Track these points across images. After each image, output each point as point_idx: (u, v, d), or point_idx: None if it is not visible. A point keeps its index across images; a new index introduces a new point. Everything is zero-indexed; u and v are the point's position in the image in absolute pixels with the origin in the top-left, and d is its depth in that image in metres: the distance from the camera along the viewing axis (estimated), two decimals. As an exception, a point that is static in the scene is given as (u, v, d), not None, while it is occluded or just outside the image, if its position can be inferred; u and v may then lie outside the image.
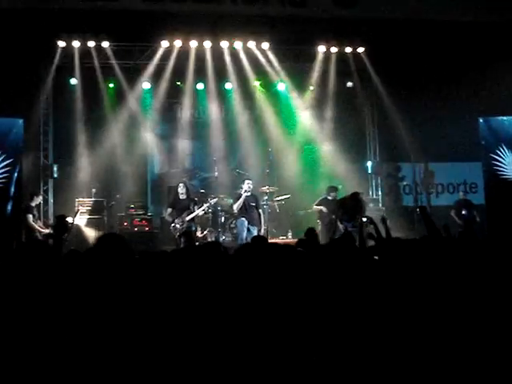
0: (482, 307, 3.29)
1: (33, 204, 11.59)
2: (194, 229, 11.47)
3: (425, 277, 3.64)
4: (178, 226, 11.31)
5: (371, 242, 5.83)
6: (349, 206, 11.20)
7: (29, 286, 3.05)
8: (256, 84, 14.08)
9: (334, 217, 10.85)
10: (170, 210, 11.60)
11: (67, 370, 2.70)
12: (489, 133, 13.59)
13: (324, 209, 11.94)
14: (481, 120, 13.60)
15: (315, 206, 12.18)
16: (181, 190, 11.62)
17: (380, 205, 13.90)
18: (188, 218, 11.41)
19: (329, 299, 3.47)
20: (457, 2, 12.96)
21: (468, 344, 3.06)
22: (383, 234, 6.05)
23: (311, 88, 14.17)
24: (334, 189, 12.15)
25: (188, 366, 2.82)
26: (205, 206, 11.72)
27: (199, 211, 11.57)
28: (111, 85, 13.65)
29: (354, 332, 3.18)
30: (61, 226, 4.52)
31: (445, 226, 6.19)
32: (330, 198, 12.05)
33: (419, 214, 5.62)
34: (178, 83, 13.88)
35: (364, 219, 7.04)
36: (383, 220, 6.67)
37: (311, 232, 6.26)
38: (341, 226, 10.11)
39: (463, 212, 13.13)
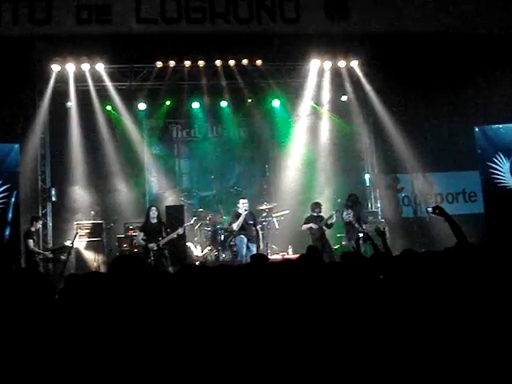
0: (484, 315, 3.28)
1: (33, 229, 11.58)
2: (166, 252, 11.43)
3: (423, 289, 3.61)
4: (153, 249, 11.23)
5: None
6: (355, 211, 11.66)
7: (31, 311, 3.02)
8: (252, 101, 14.09)
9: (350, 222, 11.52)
10: (141, 234, 11.49)
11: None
12: (485, 141, 13.60)
13: (314, 225, 12.00)
14: (476, 129, 13.62)
15: (304, 225, 12.21)
16: (152, 213, 11.57)
17: (379, 217, 13.86)
18: (163, 242, 11.36)
19: (334, 314, 3.45)
20: (450, 15, 13.02)
21: (473, 354, 3.04)
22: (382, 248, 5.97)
23: (306, 103, 14.21)
24: (317, 205, 12.30)
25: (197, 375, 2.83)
26: (179, 229, 11.64)
27: (173, 235, 11.49)
28: (108, 107, 13.66)
29: (359, 346, 3.16)
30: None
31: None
32: (314, 214, 12.13)
33: (434, 214, 5.47)
34: (168, 103, 13.90)
35: (360, 235, 7.04)
36: (379, 233, 6.49)
37: (313, 250, 6.23)
38: (357, 225, 11.22)
39: None
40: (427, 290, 3.60)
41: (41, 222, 12.11)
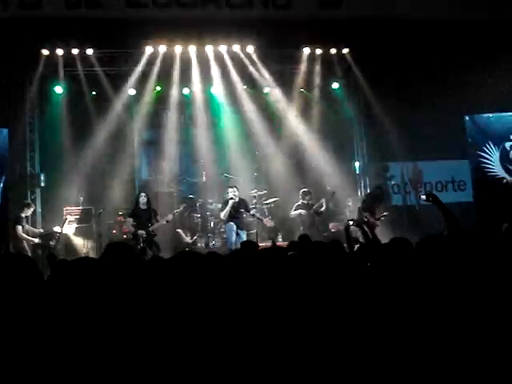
0: (474, 305, 3.28)
1: (23, 215, 11.52)
2: (156, 239, 11.50)
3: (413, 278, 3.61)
4: (142, 236, 11.26)
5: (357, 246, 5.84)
6: (368, 199, 11.70)
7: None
8: (242, 87, 14.03)
9: (359, 207, 11.61)
10: (130, 220, 11.58)
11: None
12: (475, 130, 13.65)
13: (303, 211, 12.07)
14: (467, 118, 13.65)
15: (294, 212, 12.27)
16: (142, 199, 11.62)
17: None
18: (152, 229, 11.39)
19: (321, 302, 3.44)
20: (441, 2, 13.01)
21: (465, 346, 3.04)
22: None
23: (297, 90, 14.18)
24: (308, 193, 12.45)
25: (187, 366, 2.81)
26: (169, 216, 11.67)
27: (163, 221, 11.54)
28: (94, 92, 13.55)
29: (349, 335, 3.15)
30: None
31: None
32: (304, 201, 12.19)
33: (427, 201, 5.47)
34: (158, 89, 13.82)
35: (350, 222, 7.04)
36: (357, 225, 6.54)
37: (305, 238, 6.24)
38: (364, 214, 11.23)
39: None
40: (415, 278, 3.60)
41: (32, 210, 12.06)
